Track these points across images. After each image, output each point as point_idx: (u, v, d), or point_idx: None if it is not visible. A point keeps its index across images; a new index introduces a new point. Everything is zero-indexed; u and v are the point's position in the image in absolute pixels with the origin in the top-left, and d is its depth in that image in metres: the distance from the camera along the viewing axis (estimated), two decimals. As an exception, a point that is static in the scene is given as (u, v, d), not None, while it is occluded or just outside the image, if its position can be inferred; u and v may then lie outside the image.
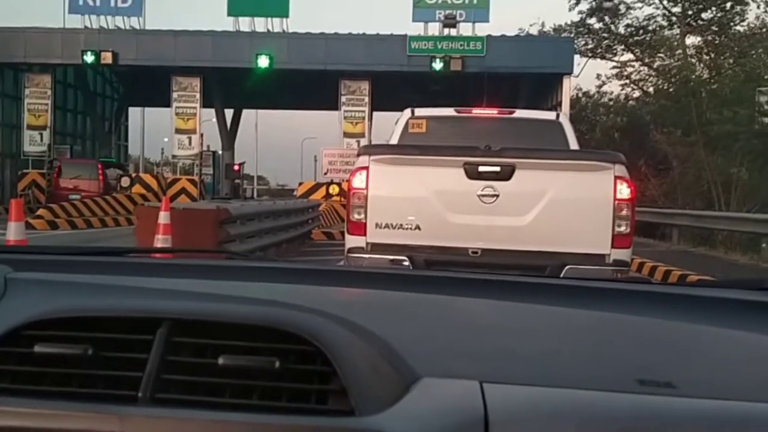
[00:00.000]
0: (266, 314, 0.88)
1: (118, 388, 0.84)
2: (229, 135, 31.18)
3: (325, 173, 23.83)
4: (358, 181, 5.15)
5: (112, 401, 0.82)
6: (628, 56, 30.52)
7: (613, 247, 4.95)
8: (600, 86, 30.95)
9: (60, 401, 0.82)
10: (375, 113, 25.48)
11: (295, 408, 0.80)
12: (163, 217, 7.77)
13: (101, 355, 0.85)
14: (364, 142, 22.12)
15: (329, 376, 0.81)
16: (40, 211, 18.45)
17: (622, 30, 30.13)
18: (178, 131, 24.71)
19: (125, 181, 24.36)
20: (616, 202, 4.91)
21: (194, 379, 0.83)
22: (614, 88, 31.40)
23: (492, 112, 7.28)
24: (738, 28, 28.17)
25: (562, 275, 4.74)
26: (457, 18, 23.99)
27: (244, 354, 0.83)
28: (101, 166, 24.24)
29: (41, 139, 24.92)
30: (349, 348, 0.84)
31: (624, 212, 4.93)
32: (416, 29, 24.35)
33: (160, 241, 7.56)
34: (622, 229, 4.95)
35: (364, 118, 24.21)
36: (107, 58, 23.63)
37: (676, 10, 29.23)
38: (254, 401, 0.81)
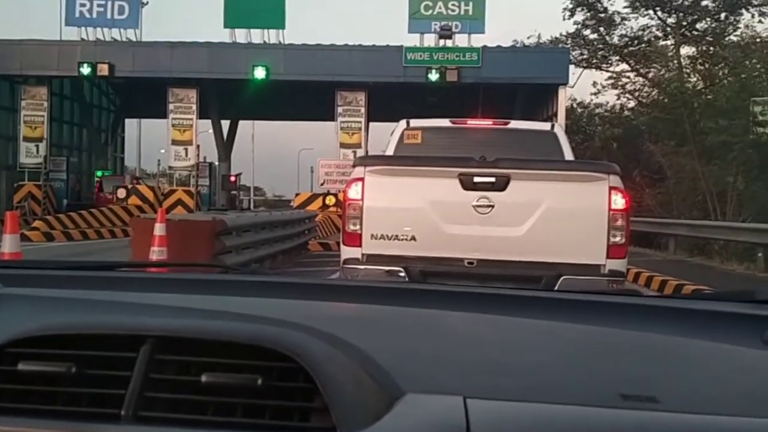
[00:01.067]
0: (248, 331, 0.88)
1: (102, 406, 0.83)
2: (225, 146, 31.21)
3: (322, 184, 23.87)
4: (354, 192, 5.15)
5: (96, 419, 0.82)
6: (623, 66, 30.70)
7: (608, 257, 4.95)
8: (596, 93, 31.07)
9: (44, 419, 0.82)
10: (371, 124, 25.54)
11: (278, 426, 0.80)
12: (159, 229, 7.75)
13: (85, 372, 0.85)
14: (360, 152, 22.16)
15: (312, 393, 0.81)
16: (36, 223, 18.43)
17: (616, 40, 30.30)
18: (175, 142, 24.72)
19: (121, 193, 24.37)
20: (611, 212, 4.92)
21: (177, 397, 0.83)
22: (610, 98, 31.49)
23: (487, 123, 7.30)
24: (732, 38, 28.35)
25: (557, 286, 4.75)
26: (453, 29, 24.09)
27: (227, 371, 0.83)
28: (136, 181, 27.01)
29: (37, 151, 24.92)
30: (331, 364, 0.84)
31: (619, 222, 4.94)
32: (412, 40, 24.49)
33: (156, 252, 7.54)
34: (617, 239, 4.95)
35: (360, 128, 24.27)
36: (104, 70, 23.67)
37: (671, 20, 29.41)
38: (237, 419, 0.81)
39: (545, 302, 1.39)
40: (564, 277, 4.87)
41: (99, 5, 24.72)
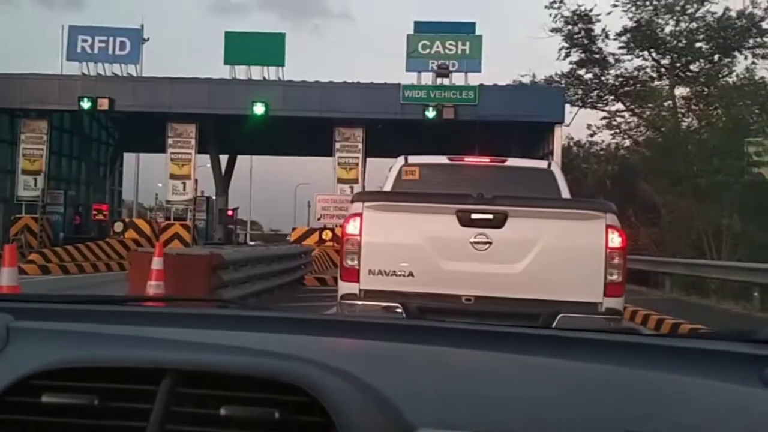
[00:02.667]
0: (267, 366, 0.90)
1: None
2: (223, 180, 31.31)
3: (319, 218, 23.92)
4: (352, 227, 5.16)
5: None
6: (619, 106, 31.03)
7: (605, 295, 4.96)
8: (591, 135, 31.35)
9: None
10: (368, 160, 25.70)
11: None
12: (156, 263, 7.74)
13: (107, 405, 0.87)
14: (357, 188, 22.26)
15: (327, 428, 0.83)
16: (32, 256, 18.36)
17: (611, 80, 30.67)
18: (173, 177, 24.80)
19: (118, 226, 24.36)
20: (608, 250, 4.94)
21: (197, 430, 0.85)
22: (605, 137, 31.76)
23: (484, 160, 7.33)
24: (726, 79, 28.74)
25: (555, 324, 4.75)
26: (450, 68, 24.42)
27: (245, 405, 0.85)
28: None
29: (35, 184, 24.96)
30: (345, 399, 0.86)
31: (616, 261, 4.96)
32: (410, 78, 24.77)
33: (153, 287, 7.52)
34: (614, 277, 4.96)
35: (357, 164, 24.42)
36: (104, 104, 23.85)
37: (665, 61, 29.83)
38: None
39: (547, 340, 1.41)
40: (562, 314, 4.87)
41: (101, 41, 25.03)
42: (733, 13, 27.87)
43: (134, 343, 1.14)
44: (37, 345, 1.15)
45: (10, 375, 0.91)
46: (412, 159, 6.83)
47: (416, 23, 25.42)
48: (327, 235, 22.86)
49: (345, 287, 5.21)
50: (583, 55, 29.96)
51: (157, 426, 0.84)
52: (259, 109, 23.62)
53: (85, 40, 24.96)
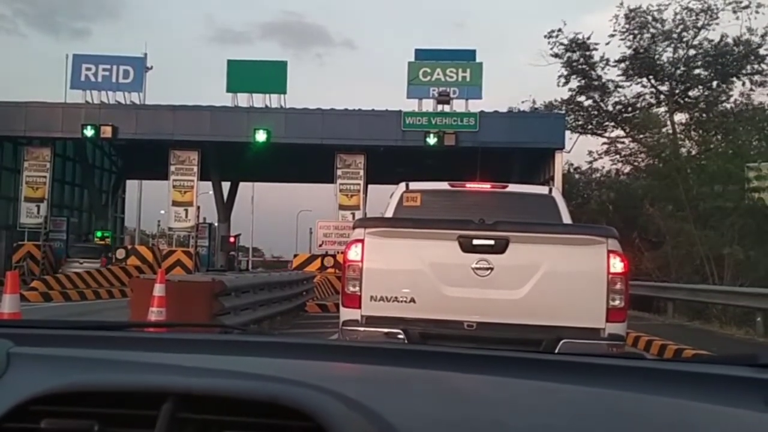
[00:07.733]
0: (268, 390, 0.90)
1: None
2: (225, 207, 31.42)
3: (320, 245, 23.93)
4: (354, 253, 5.16)
5: None
6: (618, 132, 31.18)
7: (607, 321, 4.94)
8: (591, 162, 31.48)
9: None
10: (370, 186, 25.78)
11: None
12: (158, 290, 7.72)
13: (107, 430, 0.87)
14: (359, 214, 22.32)
15: None
16: (34, 283, 18.35)
17: (611, 107, 30.86)
18: (175, 204, 24.90)
19: (120, 253, 24.38)
20: (610, 276, 4.93)
21: None
22: (605, 163, 31.92)
23: (485, 186, 7.33)
24: (725, 105, 28.91)
25: (557, 349, 4.73)
26: (451, 95, 24.61)
27: (246, 430, 0.84)
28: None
29: (38, 211, 25.07)
30: (347, 425, 0.86)
31: (618, 286, 4.95)
32: (411, 105, 24.97)
33: (155, 313, 7.50)
34: (617, 303, 4.95)
35: (359, 190, 24.52)
36: (107, 132, 24.03)
37: (664, 88, 30.05)
38: None
39: (550, 364, 1.41)
40: (564, 340, 4.85)
41: (104, 69, 25.29)
42: (730, 40, 28.18)
43: (135, 368, 1.14)
44: (37, 370, 1.15)
45: (10, 400, 0.91)
46: (413, 185, 6.84)
47: (417, 51, 25.69)
48: (329, 261, 22.86)
49: (347, 313, 5.20)
50: (582, 82, 30.20)
51: None
52: (261, 136, 23.78)
53: (88, 69, 25.23)
